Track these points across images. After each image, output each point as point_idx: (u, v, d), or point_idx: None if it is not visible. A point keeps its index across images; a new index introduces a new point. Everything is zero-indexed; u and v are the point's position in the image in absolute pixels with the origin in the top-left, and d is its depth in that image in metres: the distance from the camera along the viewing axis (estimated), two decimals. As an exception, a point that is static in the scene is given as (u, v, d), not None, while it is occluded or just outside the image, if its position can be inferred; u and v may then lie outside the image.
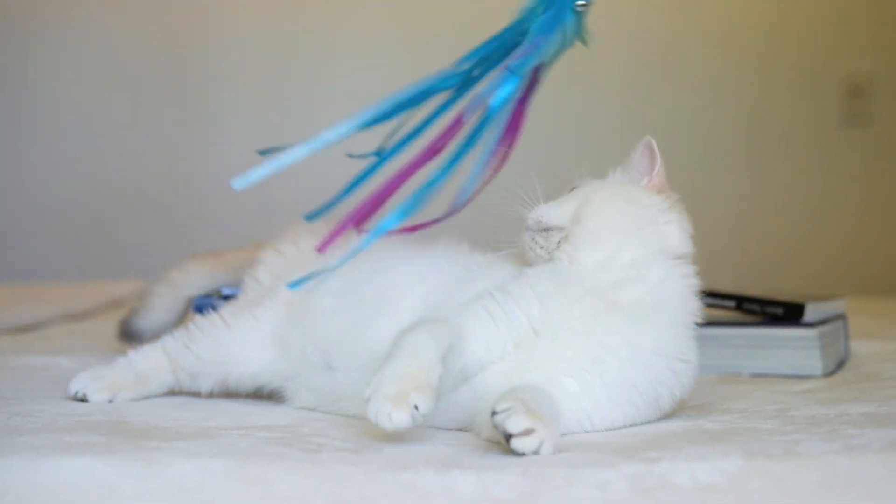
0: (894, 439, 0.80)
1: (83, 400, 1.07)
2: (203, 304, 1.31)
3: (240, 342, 1.10)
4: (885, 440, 0.79)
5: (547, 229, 1.00)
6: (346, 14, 3.28)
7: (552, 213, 1.00)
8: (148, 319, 1.36)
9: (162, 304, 1.36)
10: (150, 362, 1.12)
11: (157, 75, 3.30)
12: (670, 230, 0.99)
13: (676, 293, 0.97)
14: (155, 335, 1.28)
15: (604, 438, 0.87)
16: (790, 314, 1.33)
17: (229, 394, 1.14)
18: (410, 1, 3.30)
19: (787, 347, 1.31)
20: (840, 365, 1.40)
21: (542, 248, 0.99)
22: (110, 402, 1.07)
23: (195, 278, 1.36)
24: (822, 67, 3.38)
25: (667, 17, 3.37)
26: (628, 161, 1.05)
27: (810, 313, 1.33)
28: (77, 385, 1.08)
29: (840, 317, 1.47)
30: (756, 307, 1.36)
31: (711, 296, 1.37)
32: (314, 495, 0.68)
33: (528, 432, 0.78)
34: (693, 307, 0.98)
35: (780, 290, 1.59)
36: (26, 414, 0.96)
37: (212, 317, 1.14)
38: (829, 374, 1.33)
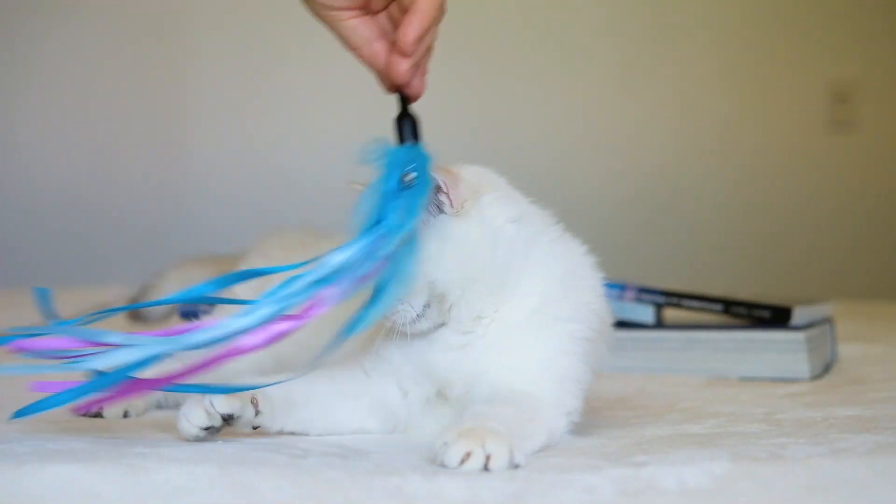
0: (879, 442, 0.80)
1: (98, 415, 1.02)
2: (188, 312, 1.32)
3: None
4: (870, 443, 0.80)
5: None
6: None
7: None
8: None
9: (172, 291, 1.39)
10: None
11: (145, 85, 3.30)
12: None
13: None
14: (157, 318, 1.42)
15: (590, 443, 0.87)
16: (777, 317, 1.33)
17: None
18: None
19: (775, 351, 1.32)
20: (827, 368, 1.41)
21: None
22: (125, 416, 1.04)
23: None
24: (807, 73, 3.41)
25: (651, 20, 3.39)
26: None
27: (797, 317, 1.33)
28: None
29: (827, 320, 1.47)
30: (743, 310, 1.36)
31: (699, 299, 1.38)
32: (300, 501, 0.68)
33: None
34: None
35: (768, 293, 1.59)
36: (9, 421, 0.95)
37: None
38: (816, 377, 1.33)
